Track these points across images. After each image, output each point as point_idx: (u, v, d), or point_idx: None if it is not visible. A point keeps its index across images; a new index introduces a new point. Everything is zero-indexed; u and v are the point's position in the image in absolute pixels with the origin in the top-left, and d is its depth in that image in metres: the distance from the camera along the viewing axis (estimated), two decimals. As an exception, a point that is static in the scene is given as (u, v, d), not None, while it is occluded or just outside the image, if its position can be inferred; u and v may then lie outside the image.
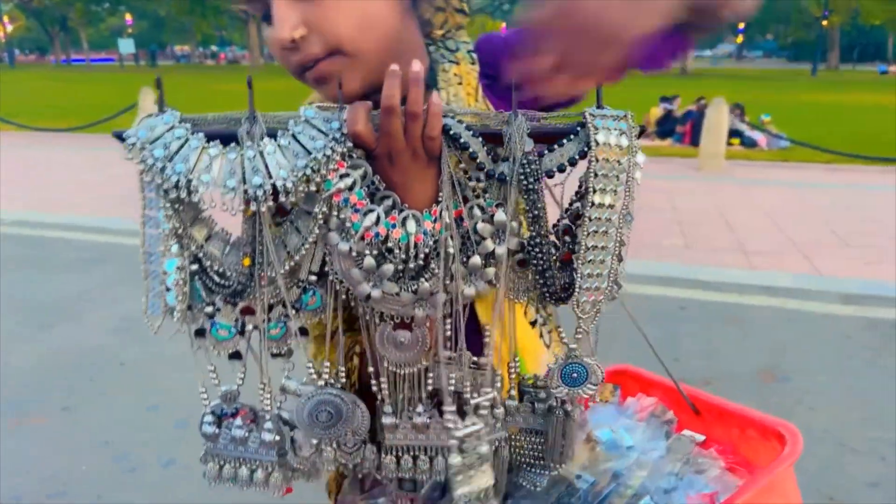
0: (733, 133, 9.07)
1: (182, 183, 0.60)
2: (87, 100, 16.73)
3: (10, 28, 54.36)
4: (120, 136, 0.63)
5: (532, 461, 0.77)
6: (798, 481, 0.86)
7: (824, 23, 37.03)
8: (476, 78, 0.82)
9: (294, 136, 0.62)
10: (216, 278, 0.66)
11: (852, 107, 16.06)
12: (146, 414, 2.81)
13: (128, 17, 49.05)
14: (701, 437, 0.92)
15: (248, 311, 0.68)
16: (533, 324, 0.84)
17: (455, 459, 0.69)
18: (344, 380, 0.71)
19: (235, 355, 0.69)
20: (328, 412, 0.69)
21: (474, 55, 0.83)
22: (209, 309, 0.67)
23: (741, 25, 49.62)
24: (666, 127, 10.15)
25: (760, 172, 8.03)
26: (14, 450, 2.56)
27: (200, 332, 0.68)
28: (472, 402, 0.70)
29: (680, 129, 9.94)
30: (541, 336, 0.85)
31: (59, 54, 52.77)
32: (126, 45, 45.69)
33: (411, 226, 0.63)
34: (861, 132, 10.83)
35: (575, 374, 0.69)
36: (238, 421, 0.72)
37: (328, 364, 0.70)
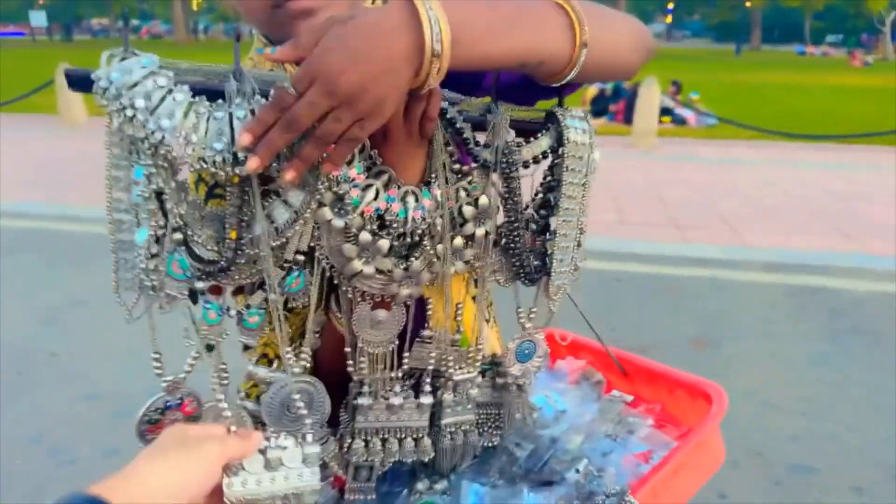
0: (664, 111, 9.34)
1: (167, 140, 0.54)
2: (-4, 76, 15.63)
3: None
4: (82, 79, 0.54)
5: (482, 430, 0.80)
6: (727, 437, 0.92)
7: (747, 3, 38.48)
8: None
9: None
10: (198, 251, 0.59)
11: (774, 86, 16.80)
12: (82, 405, 2.68)
13: (38, -13, 45.88)
14: (629, 398, 0.98)
15: (215, 290, 0.61)
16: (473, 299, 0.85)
17: (447, 396, 0.72)
18: (309, 365, 0.68)
19: (211, 347, 0.62)
20: (301, 402, 0.66)
21: None
22: (200, 285, 0.59)
23: (670, 6, 50.94)
24: (599, 106, 10.35)
25: (690, 149, 8.31)
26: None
27: (194, 295, 0.60)
28: (455, 377, 0.72)
29: (613, 107, 10.16)
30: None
31: (-38, 27, 48.96)
32: (38, 18, 42.82)
33: (411, 201, 0.62)
34: (783, 111, 11.36)
35: (527, 351, 0.74)
36: (180, 415, 0.65)
37: (306, 349, 0.66)
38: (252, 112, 0.55)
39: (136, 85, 0.54)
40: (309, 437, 0.63)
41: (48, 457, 2.39)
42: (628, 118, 9.01)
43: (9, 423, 2.56)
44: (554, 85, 0.66)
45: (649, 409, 0.95)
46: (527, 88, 0.74)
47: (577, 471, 0.80)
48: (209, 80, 0.57)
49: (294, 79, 0.52)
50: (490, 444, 0.82)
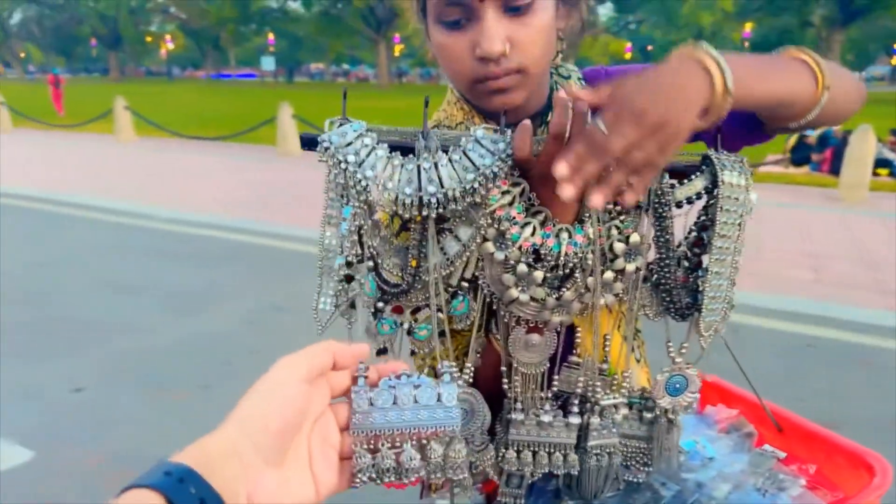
0: (880, 163, 8.33)
1: (370, 187, 0.66)
2: (230, 112, 18.26)
3: (171, 46, 60.45)
4: (311, 140, 0.69)
5: (630, 464, 0.81)
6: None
7: None
8: None
9: (464, 153, 0.68)
10: (385, 276, 0.70)
11: None
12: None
13: (270, 36, 52.96)
14: (782, 455, 0.93)
15: (397, 310, 0.72)
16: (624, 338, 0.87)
17: (594, 420, 0.76)
18: (471, 380, 0.75)
19: (383, 351, 0.72)
20: (463, 410, 0.74)
21: (583, 82, 0.89)
22: (380, 304, 0.71)
23: (897, 47, 45.25)
24: (801, 154, 9.50)
25: (910, 207, 7.32)
26: (158, 420, 2.86)
27: (383, 351, 0.72)
28: (602, 402, 0.76)
29: (816, 156, 9.27)
30: (632, 350, 0.89)
31: (209, 70, 57.94)
32: (268, 63, 49.49)
33: (564, 237, 0.69)
34: None
35: (677, 385, 0.75)
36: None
37: (469, 364, 0.74)
38: (435, 165, 0.67)
39: (349, 144, 0.67)
40: (446, 377, 0.60)
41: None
42: (835, 169, 8.16)
43: (215, 406, 2.96)
44: (792, 126, 0.75)
45: (802, 469, 0.90)
46: (735, 135, 0.80)
47: (721, 519, 0.78)
48: (402, 138, 0.69)
49: (605, 116, 0.61)
50: (636, 479, 0.83)
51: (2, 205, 7.20)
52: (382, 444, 0.55)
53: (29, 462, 2.55)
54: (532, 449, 0.77)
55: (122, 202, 7.24)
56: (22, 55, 61.31)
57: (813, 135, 9.77)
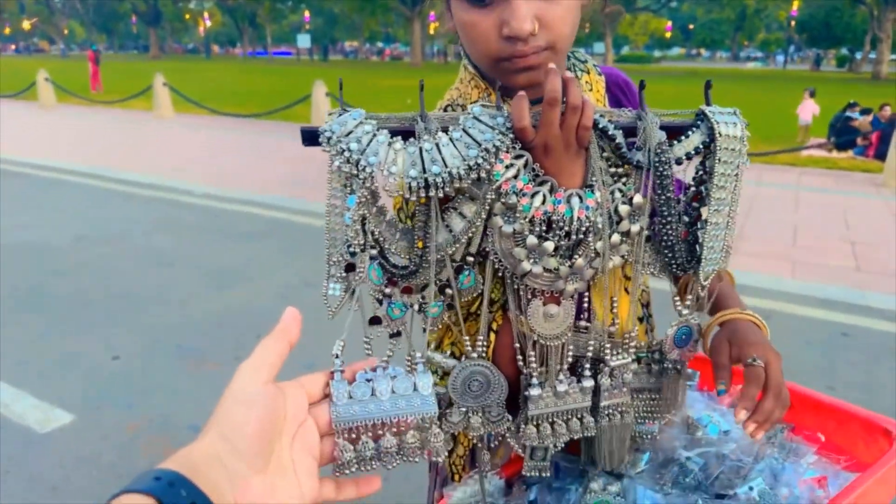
0: (930, 148, 8.02)
1: (374, 173, 0.67)
2: (266, 89, 18.41)
3: (209, 24, 61.08)
4: (311, 135, 0.69)
5: (643, 416, 0.85)
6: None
7: None
8: (603, 87, 0.88)
9: (465, 131, 0.68)
10: (393, 260, 0.71)
11: None
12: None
13: (306, 13, 53.10)
14: (790, 426, 0.95)
15: (407, 290, 0.72)
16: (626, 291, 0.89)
17: (605, 381, 0.77)
18: (484, 353, 0.76)
19: (397, 334, 0.72)
20: (479, 382, 0.75)
21: (599, 68, 0.89)
22: (388, 290, 0.71)
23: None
24: (845, 137, 9.19)
25: (960, 194, 7.05)
26: (192, 388, 2.95)
27: (375, 320, 0.71)
28: (612, 363, 0.77)
29: (862, 140, 8.96)
30: (643, 308, 0.94)
31: (246, 48, 58.43)
32: (303, 40, 49.74)
33: (575, 202, 0.69)
34: None
35: (684, 336, 0.78)
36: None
37: (481, 338, 0.75)
38: (437, 146, 0.66)
39: (350, 133, 0.67)
40: (420, 367, 0.61)
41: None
42: (881, 153, 7.89)
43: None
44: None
45: (809, 437, 0.92)
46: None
47: (751, 488, 0.79)
48: (402, 123, 0.70)
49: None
50: (649, 434, 0.85)
51: (46, 178, 7.43)
52: (364, 435, 0.55)
53: (69, 425, 2.67)
54: (550, 420, 0.78)
55: (161, 178, 7.40)
56: (65, 32, 62.65)
57: (860, 119, 9.45)
